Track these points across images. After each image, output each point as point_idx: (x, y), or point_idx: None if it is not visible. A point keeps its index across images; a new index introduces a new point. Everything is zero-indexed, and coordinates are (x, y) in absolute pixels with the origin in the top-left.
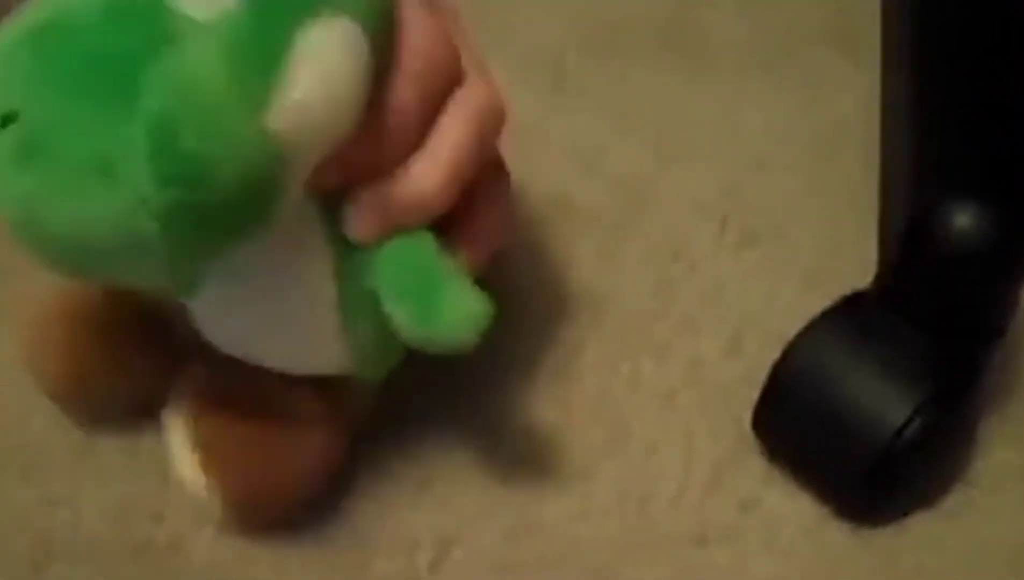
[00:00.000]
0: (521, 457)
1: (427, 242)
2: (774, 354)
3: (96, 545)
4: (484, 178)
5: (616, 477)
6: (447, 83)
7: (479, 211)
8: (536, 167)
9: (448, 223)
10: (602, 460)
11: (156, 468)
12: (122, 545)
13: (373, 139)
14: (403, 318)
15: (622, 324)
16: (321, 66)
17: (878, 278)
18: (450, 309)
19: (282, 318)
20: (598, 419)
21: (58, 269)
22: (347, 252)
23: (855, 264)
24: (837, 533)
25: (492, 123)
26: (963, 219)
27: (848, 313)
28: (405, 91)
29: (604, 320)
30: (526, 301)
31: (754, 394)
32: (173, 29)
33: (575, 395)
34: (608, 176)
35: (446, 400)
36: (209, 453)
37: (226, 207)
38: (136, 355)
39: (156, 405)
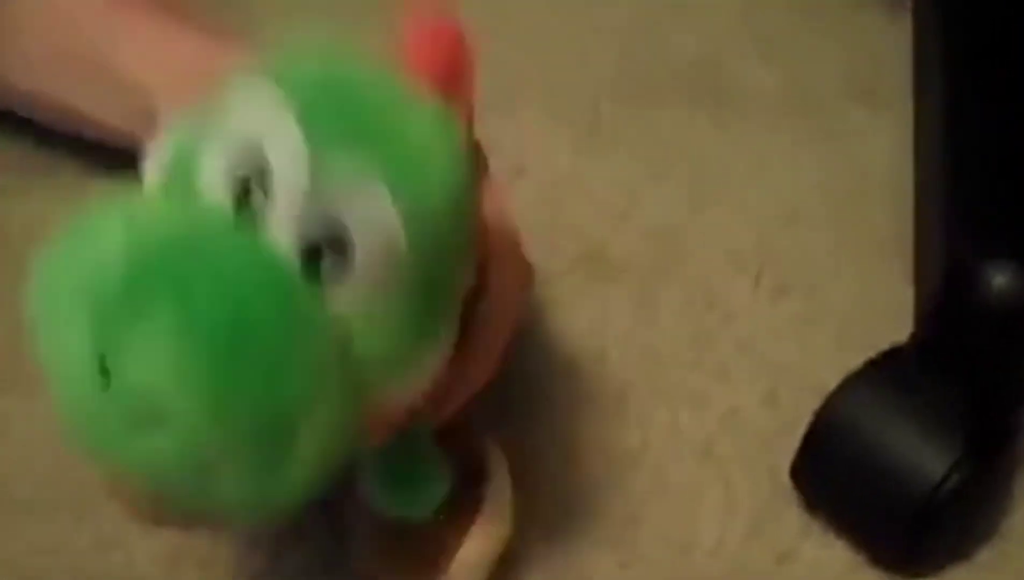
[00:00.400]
0: (564, 506)
1: (426, 433)
2: (810, 405)
3: None
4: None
5: (657, 526)
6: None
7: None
8: (570, 216)
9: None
10: (643, 509)
11: None
12: None
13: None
14: (382, 497)
15: (659, 373)
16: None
17: (915, 332)
18: (427, 499)
19: None
20: (638, 468)
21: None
22: None
23: (888, 316)
24: None
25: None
26: (1000, 277)
27: (886, 367)
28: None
29: (640, 369)
30: (561, 349)
31: (790, 444)
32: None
33: (616, 444)
34: (642, 224)
35: None
36: None
37: None
38: None
39: None
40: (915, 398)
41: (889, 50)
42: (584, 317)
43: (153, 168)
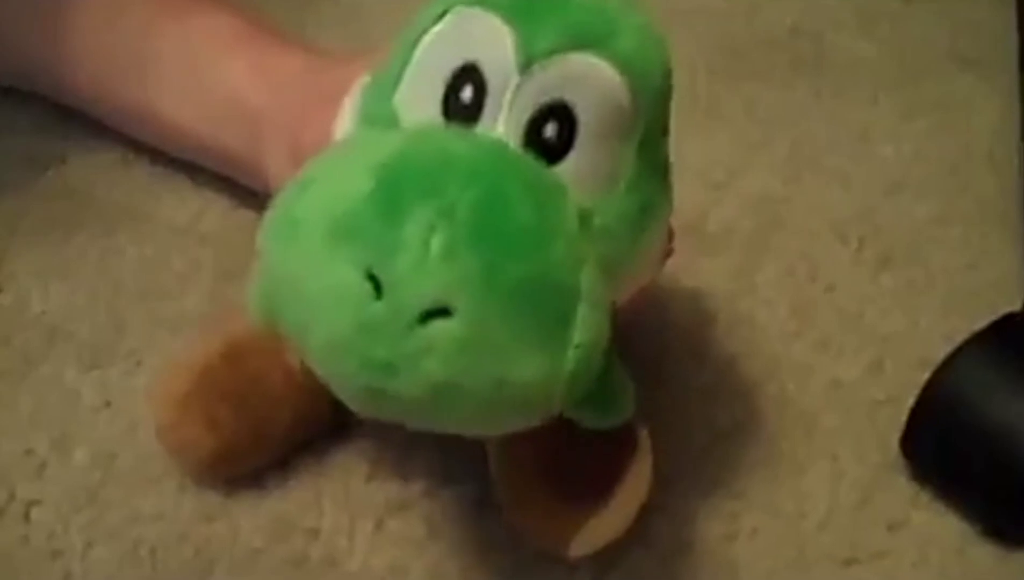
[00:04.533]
0: (672, 479)
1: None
2: (915, 375)
3: (254, 558)
4: None
5: (764, 497)
6: None
7: None
8: None
9: None
10: (751, 481)
11: (310, 485)
12: (279, 559)
13: None
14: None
15: (761, 345)
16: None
17: None
18: (624, 404)
19: None
20: (744, 440)
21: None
22: None
23: (993, 285)
24: (986, 553)
25: None
26: None
27: (998, 335)
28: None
29: (742, 341)
30: (666, 321)
31: (897, 415)
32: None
33: (724, 416)
34: (741, 197)
35: None
36: None
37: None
38: (278, 425)
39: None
40: None
41: (992, 19)
42: (685, 290)
43: (348, 119)
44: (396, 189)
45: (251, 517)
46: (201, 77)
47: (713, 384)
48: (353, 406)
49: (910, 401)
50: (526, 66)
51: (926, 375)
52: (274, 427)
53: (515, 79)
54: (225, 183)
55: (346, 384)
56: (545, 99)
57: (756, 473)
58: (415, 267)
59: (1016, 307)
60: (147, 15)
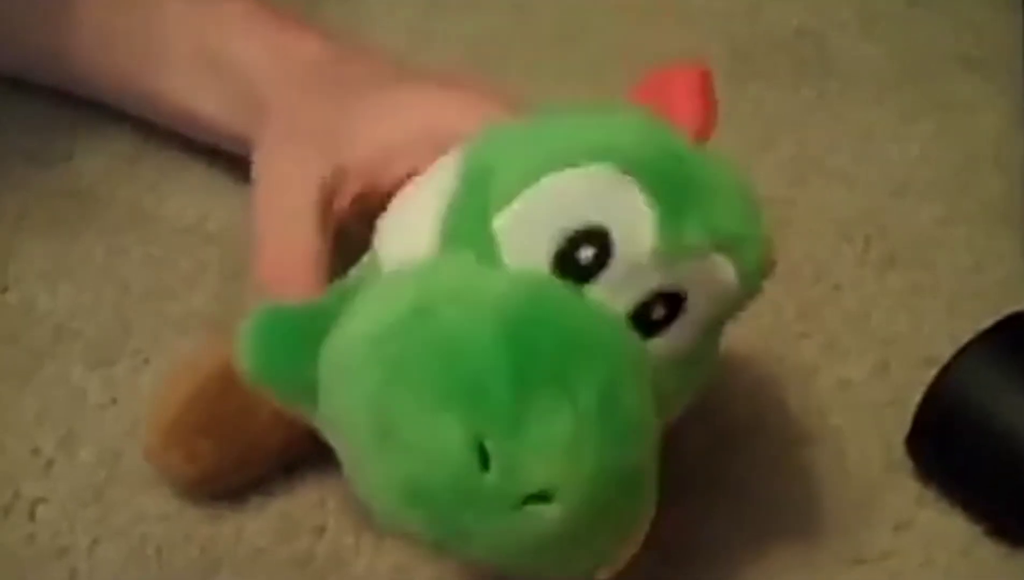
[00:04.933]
0: (676, 479)
1: None
2: (921, 376)
3: (259, 557)
4: None
5: (770, 499)
6: None
7: None
8: None
9: None
10: (757, 480)
11: (315, 485)
12: (285, 558)
13: None
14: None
15: (767, 346)
16: None
17: None
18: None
19: None
20: (750, 439)
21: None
22: None
23: (998, 286)
24: (992, 552)
25: None
26: None
27: (1005, 334)
28: None
29: (748, 342)
30: None
31: (902, 415)
32: None
33: (728, 416)
34: None
35: None
36: None
37: None
38: (266, 450)
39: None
40: None
41: (997, 20)
42: None
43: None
44: (528, 359)
45: (256, 516)
46: (212, 59)
47: (718, 384)
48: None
49: (916, 401)
50: (663, 254)
51: (932, 375)
52: (261, 453)
53: (644, 260)
54: (232, 182)
55: (398, 526)
56: (666, 285)
57: (760, 473)
58: (535, 451)
59: (1022, 307)
60: None
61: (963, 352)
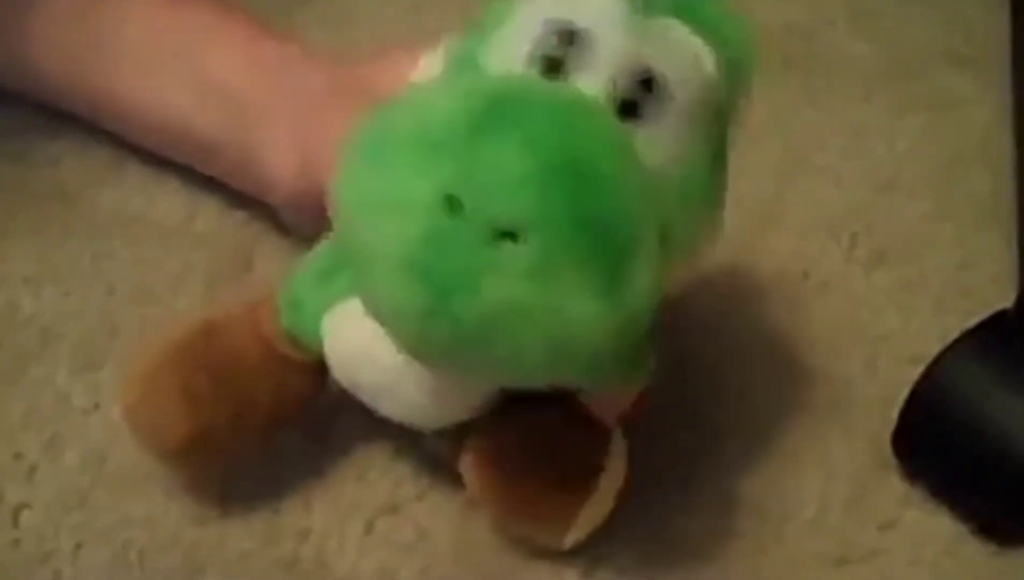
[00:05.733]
0: (659, 473)
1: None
2: (909, 373)
3: (244, 560)
4: None
5: (757, 497)
6: None
7: None
8: None
9: None
10: (742, 480)
11: (299, 488)
12: (269, 561)
13: None
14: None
15: (754, 344)
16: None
17: (1020, 297)
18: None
19: None
20: (735, 438)
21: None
22: None
23: (987, 283)
24: (979, 551)
25: None
26: None
27: (990, 332)
28: None
29: (736, 339)
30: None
31: (889, 414)
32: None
33: (715, 415)
34: (734, 195)
35: None
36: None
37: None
38: (259, 404)
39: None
40: (1019, 363)
41: (986, 16)
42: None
43: (430, 67)
44: (487, 114)
45: (240, 520)
46: (181, 66)
47: (704, 382)
48: (403, 342)
49: (903, 399)
50: (628, 25)
51: (919, 373)
52: (252, 410)
53: (611, 36)
54: (218, 185)
55: (401, 309)
56: (639, 69)
57: (747, 471)
58: (499, 186)
59: (1009, 304)
60: (121, 4)
61: (948, 350)
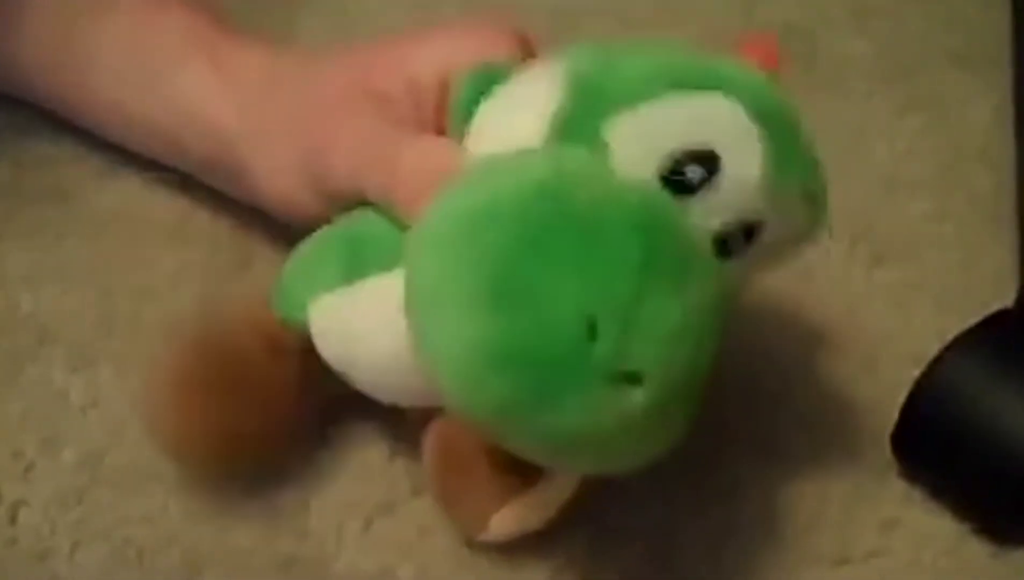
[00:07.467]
0: (661, 476)
1: None
2: (908, 374)
3: (243, 559)
4: None
5: (756, 497)
6: None
7: None
8: None
9: None
10: (741, 479)
11: (298, 487)
12: (268, 560)
13: None
14: None
15: (754, 343)
16: None
17: (1020, 297)
18: None
19: None
20: (736, 437)
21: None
22: None
23: (988, 282)
24: (980, 551)
25: None
26: None
27: (990, 332)
28: None
29: (738, 338)
30: None
31: (890, 414)
32: None
33: (713, 414)
34: None
35: None
36: None
37: None
38: (271, 402)
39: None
40: (1020, 363)
41: (986, 16)
42: None
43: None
44: (653, 255)
45: (239, 518)
46: (156, 77)
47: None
48: (469, 413)
49: (903, 399)
50: (765, 188)
51: (920, 373)
52: (280, 407)
53: (748, 190)
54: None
55: (483, 391)
56: (753, 215)
57: (746, 471)
58: (643, 333)
59: (1010, 304)
60: (96, 20)
61: (949, 350)
